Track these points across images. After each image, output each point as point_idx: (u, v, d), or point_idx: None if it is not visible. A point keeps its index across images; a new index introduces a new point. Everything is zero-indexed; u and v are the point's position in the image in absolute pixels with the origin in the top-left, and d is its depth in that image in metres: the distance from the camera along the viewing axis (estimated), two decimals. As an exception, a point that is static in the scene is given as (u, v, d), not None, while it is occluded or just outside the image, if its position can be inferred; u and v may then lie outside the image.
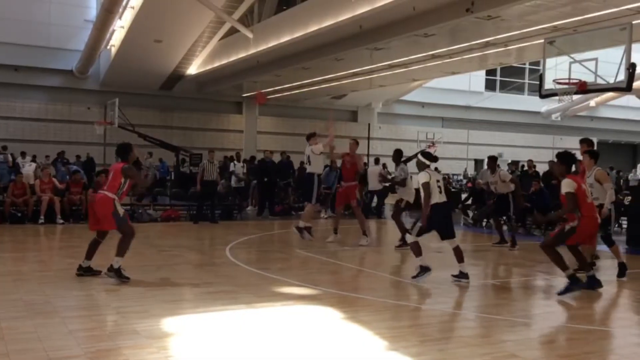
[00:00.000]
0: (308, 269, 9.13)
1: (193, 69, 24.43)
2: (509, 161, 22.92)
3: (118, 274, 7.13)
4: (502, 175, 11.64)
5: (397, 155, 11.41)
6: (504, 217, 12.34)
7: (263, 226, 14.65)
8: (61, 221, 13.75)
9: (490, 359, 4.82)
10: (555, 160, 7.29)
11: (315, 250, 10.34)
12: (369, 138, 31.00)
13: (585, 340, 5.53)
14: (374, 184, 16.52)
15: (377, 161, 18.62)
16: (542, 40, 12.46)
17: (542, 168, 19.27)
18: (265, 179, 17.21)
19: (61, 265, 8.76)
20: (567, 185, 6.96)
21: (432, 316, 6.30)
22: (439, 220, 7.66)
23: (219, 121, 28.35)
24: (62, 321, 5.45)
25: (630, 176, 25.59)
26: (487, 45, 15.90)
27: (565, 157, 7.23)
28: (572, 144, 34.23)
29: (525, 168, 18.33)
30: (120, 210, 7.28)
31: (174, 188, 19.48)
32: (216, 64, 22.46)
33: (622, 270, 8.38)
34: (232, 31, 20.58)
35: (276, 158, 19.20)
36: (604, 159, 38.54)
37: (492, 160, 12.00)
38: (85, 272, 7.40)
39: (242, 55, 20.23)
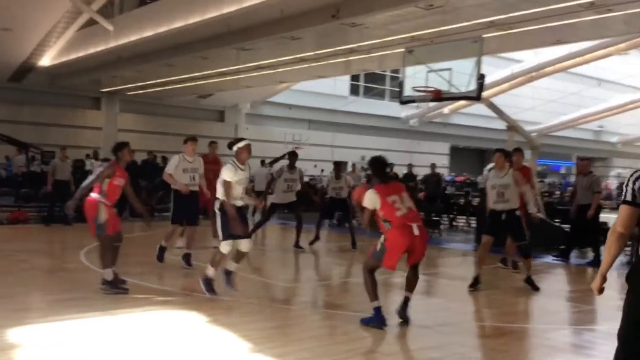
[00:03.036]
0: (171, 272, 8.82)
1: (46, 61, 22.73)
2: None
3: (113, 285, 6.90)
4: (348, 180, 12.08)
5: (338, 168, 11.69)
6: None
7: (122, 228, 13.95)
8: None
9: (353, 354, 4.94)
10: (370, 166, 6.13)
11: (179, 253, 10.00)
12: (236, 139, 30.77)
13: (436, 332, 5.85)
14: (260, 185, 17.11)
15: (262, 163, 18.82)
16: (402, 50, 13.11)
17: (400, 171, 20.26)
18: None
19: None
20: (366, 200, 5.86)
21: (298, 316, 6.34)
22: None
23: (74, 117, 26.64)
24: None
25: (479, 179, 27.63)
26: (351, 51, 16.38)
27: (375, 164, 6.08)
28: (427, 148, 36.61)
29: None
30: (102, 217, 6.80)
31: (23, 188, 18.10)
32: (72, 56, 21.07)
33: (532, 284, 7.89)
34: (91, 22, 19.44)
35: (145, 158, 18.71)
36: (455, 163, 41.17)
37: (338, 165, 12.34)
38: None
39: (101, 48, 19.16)
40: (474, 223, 15.53)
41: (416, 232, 5.76)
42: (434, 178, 18.14)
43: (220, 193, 6.66)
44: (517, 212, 7.92)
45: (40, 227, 13.85)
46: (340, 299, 7.37)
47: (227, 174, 6.62)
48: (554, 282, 8.97)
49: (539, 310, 7.34)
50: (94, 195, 6.88)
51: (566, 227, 13.27)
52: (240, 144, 6.79)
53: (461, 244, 12.36)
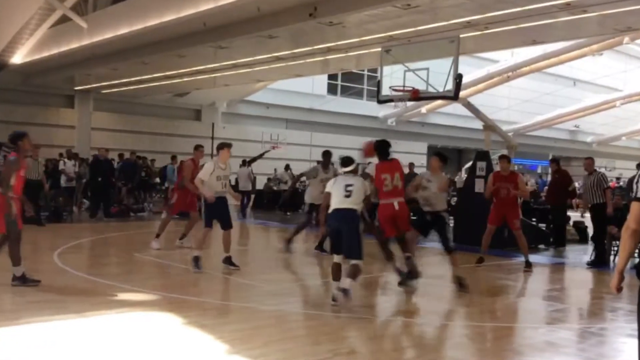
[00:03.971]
0: (146, 273, 8.70)
1: (18, 58, 22.30)
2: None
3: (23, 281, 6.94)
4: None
5: (327, 157, 10.88)
6: None
7: (97, 229, 13.75)
8: None
9: (332, 355, 4.89)
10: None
11: (155, 254, 9.88)
12: (212, 138, 30.55)
13: (415, 331, 5.84)
14: (244, 184, 18.12)
15: (244, 162, 18.80)
16: (380, 49, 13.11)
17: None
18: (99, 179, 16.27)
19: None
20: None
21: (275, 317, 6.27)
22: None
23: (47, 115, 26.17)
24: None
25: (457, 178, 27.82)
26: (329, 50, 16.35)
27: (380, 146, 7.85)
28: (405, 147, 36.72)
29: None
30: (14, 213, 6.71)
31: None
32: (45, 54, 20.69)
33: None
34: (65, 19, 19.11)
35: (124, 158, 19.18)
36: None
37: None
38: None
39: (74, 45, 18.82)
40: (452, 222, 15.60)
41: (396, 207, 7.17)
42: (412, 177, 18.18)
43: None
44: (443, 214, 7.81)
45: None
46: (320, 299, 7.32)
47: None
48: (531, 281, 9.04)
49: (517, 309, 7.38)
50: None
51: (542, 225, 13.42)
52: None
53: (439, 243, 12.40)
